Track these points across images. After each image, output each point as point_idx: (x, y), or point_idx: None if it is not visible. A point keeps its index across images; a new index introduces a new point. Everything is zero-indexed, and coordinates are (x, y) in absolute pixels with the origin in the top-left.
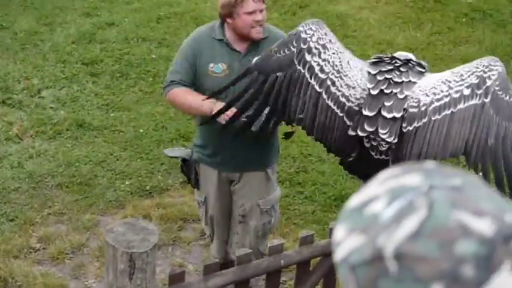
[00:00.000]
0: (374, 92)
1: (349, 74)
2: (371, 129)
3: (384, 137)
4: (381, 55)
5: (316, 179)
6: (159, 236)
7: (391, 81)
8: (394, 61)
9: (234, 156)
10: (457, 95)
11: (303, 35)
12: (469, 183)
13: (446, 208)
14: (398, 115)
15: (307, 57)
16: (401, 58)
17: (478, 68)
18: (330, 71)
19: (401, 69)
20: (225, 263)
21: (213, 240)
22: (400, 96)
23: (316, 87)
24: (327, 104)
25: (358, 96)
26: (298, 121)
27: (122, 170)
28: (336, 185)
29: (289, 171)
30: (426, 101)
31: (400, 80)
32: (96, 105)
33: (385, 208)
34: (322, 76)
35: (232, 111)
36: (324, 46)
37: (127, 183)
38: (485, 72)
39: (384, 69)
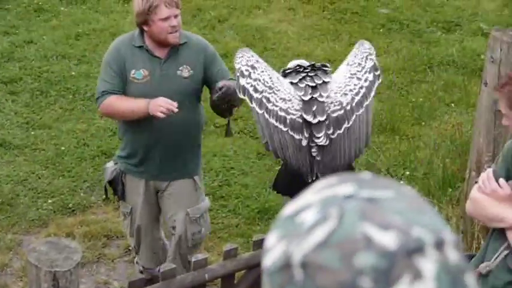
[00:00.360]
0: (306, 98)
1: (281, 88)
2: (319, 135)
3: (318, 141)
4: (286, 68)
5: (239, 192)
6: (83, 253)
7: (309, 86)
8: (301, 68)
9: (161, 164)
10: (366, 83)
11: (236, 65)
12: (395, 195)
13: (355, 219)
14: (322, 118)
15: (242, 81)
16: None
17: (365, 52)
18: (263, 89)
19: (310, 74)
20: (151, 279)
21: (138, 253)
22: (320, 99)
23: (257, 109)
24: (272, 122)
25: (297, 108)
26: (266, 147)
27: (44, 188)
28: (259, 198)
29: (212, 185)
30: (347, 100)
31: (314, 84)
32: (16, 124)
33: (312, 217)
34: (258, 96)
35: (173, 104)
36: (252, 66)
37: (49, 201)
38: (371, 54)
39: (300, 77)
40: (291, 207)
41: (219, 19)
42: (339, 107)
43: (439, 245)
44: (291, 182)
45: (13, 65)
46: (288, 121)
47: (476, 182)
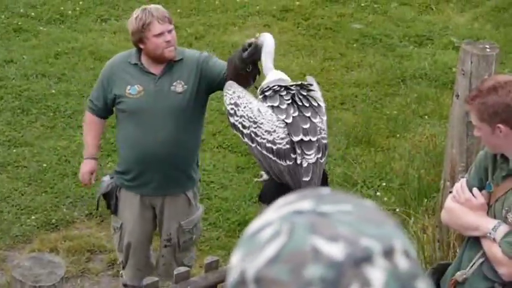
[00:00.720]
0: (289, 121)
1: (263, 120)
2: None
3: (309, 158)
4: (268, 88)
5: (219, 206)
6: (66, 268)
7: (297, 105)
8: (289, 89)
9: (154, 180)
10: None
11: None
12: (350, 209)
13: (304, 233)
14: (314, 139)
15: (231, 119)
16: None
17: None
18: (249, 125)
19: (302, 92)
20: None
21: (124, 267)
22: (314, 119)
23: (250, 143)
24: (264, 154)
25: (282, 136)
26: (268, 175)
27: (27, 204)
28: (239, 211)
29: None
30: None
31: (308, 104)
32: None
33: (268, 234)
34: (246, 131)
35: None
36: (235, 104)
37: (33, 217)
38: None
39: (284, 98)
40: (253, 225)
41: (196, 36)
42: (325, 135)
43: (388, 253)
44: (278, 193)
45: None
46: (274, 151)
47: (450, 192)
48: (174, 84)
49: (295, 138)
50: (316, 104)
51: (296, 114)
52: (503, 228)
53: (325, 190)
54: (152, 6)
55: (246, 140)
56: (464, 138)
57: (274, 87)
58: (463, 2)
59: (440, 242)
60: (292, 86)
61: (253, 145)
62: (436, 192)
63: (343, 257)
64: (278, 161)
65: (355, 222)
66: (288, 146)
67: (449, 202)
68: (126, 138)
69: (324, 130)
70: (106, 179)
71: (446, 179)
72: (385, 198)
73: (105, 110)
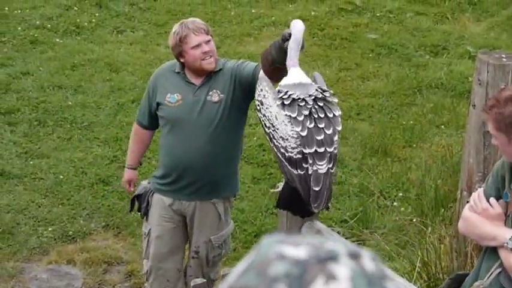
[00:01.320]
0: (304, 133)
1: (279, 127)
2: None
3: (320, 168)
4: (288, 95)
5: (236, 217)
6: (83, 280)
7: (313, 117)
8: (307, 99)
9: (190, 186)
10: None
11: None
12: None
13: (269, 245)
14: (330, 149)
15: (258, 114)
16: (307, 88)
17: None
18: (269, 126)
19: (319, 103)
20: None
21: (149, 279)
22: (328, 131)
23: (269, 143)
24: (279, 157)
25: (294, 146)
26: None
27: (44, 216)
28: (256, 222)
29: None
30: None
31: (322, 115)
32: (15, 154)
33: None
34: (267, 130)
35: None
36: (261, 102)
37: (50, 229)
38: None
39: (302, 109)
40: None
41: None
42: (337, 146)
43: (354, 256)
44: (292, 199)
45: (11, 96)
46: (287, 158)
47: (468, 202)
48: (211, 93)
49: (309, 150)
50: (331, 115)
51: (312, 126)
52: None
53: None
54: (189, 19)
55: (267, 138)
56: (481, 148)
57: (293, 96)
58: (478, 11)
59: (457, 252)
60: (309, 97)
61: (271, 145)
62: (453, 202)
63: (307, 256)
64: (290, 168)
65: (316, 239)
66: (299, 156)
67: (466, 212)
68: (164, 145)
69: (336, 141)
70: (143, 182)
71: (463, 188)
72: (402, 209)
73: (150, 120)
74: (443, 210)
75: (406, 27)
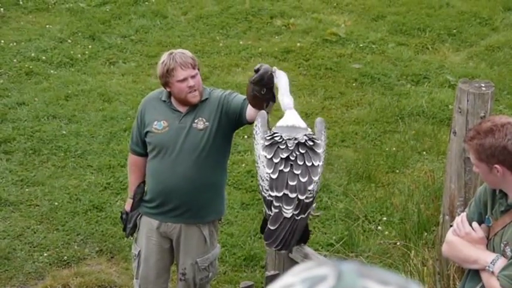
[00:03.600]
0: (274, 176)
1: (259, 166)
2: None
3: (285, 212)
4: (273, 136)
5: (225, 241)
6: None
7: (291, 162)
8: (288, 143)
9: (175, 210)
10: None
11: None
12: (372, 267)
13: (353, 277)
14: (302, 197)
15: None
16: (297, 132)
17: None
18: (256, 161)
19: (301, 150)
20: None
21: None
22: (303, 179)
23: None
24: (260, 192)
25: (267, 188)
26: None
27: (40, 242)
28: (245, 246)
29: None
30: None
31: (301, 162)
32: (11, 182)
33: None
34: (256, 165)
35: None
36: (254, 137)
37: (45, 254)
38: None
39: (281, 152)
40: None
41: (201, 77)
42: (311, 195)
43: None
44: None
45: (6, 125)
46: (262, 196)
47: (451, 226)
48: (196, 121)
49: (276, 194)
50: (310, 164)
51: (287, 170)
52: (501, 262)
53: (342, 261)
54: (178, 51)
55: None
56: (462, 173)
57: (276, 137)
58: (458, 42)
59: (440, 274)
60: (294, 140)
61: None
62: (435, 226)
63: None
64: (265, 206)
65: (393, 275)
66: (271, 198)
67: (449, 235)
68: (151, 170)
69: (310, 190)
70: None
71: (445, 213)
72: (386, 232)
73: (144, 146)
74: (426, 234)
75: (388, 57)
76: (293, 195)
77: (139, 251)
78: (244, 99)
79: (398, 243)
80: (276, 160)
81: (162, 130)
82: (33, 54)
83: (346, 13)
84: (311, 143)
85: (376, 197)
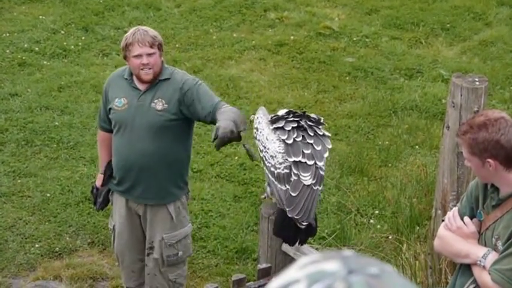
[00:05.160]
0: (289, 142)
1: (269, 146)
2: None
3: (304, 179)
4: (276, 115)
5: (217, 234)
6: None
7: (302, 133)
8: (295, 115)
9: (137, 187)
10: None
11: None
12: (386, 272)
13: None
14: (320, 163)
15: (255, 141)
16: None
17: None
18: (263, 149)
19: (308, 122)
20: None
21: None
22: (317, 147)
23: (263, 166)
24: (270, 177)
25: (281, 161)
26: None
27: (31, 233)
28: (237, 239)
29: (192, 227)
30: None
31: (312, 133)
32: (3, 173)
33: None
34: (262, 154)
35: None
36: (257, 128)
37: (37, 246)
38: None
39: (290, 123)
40: (275, 282)
41: (194, 70)
42: (323, 167)
43: None
44: (284, 226)
45: None
46: (275, 175)
47: (443, 220)
48: (155, 101)
49: (294, 159)
50: (321, 133)
51: (299, 139)
52: (492, 256)
53: (348, 252)
54: (143, 28)
55: (262, 163)
56: (454, 168)
57: (283, 115)
58: (451, 36)
59: (432, 268)
60: (300, 114)
61: (265, 169)
62: (427, 220)
63: None
64: (278, 185)
65: (404, 284)
66: (287, 170)
67: (441, 230)
68: (114, 146)
69: (323, 159)
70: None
71: (438, 207)
72: (379, 226)
73: (109, 123)
74: (418, 227)
75: (381, 51)
76: (311, 162)
77: (114, 225)
78: (215, 105)
79: (390, 237)
80: (287, 128)
81: (122, 107)
82: (26, 45)
83: (340, 7)
84: (315, 118)
85: (368, 190)
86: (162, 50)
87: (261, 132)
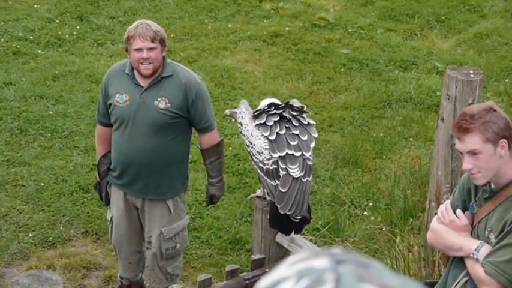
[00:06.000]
0: (272, 138)
1: (255, 142)
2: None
3: (292, 171)
4: (259, 109)
5: (211, 224)
6: (63, 285)
7: (285, 125)
8: (277, 108)
9: (134, 182)
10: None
11: None
12: (374, 263)
13: (353, 281)
14: (307, 154)
15: (241, 135)
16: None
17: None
18: (249, 144)
19: (291, 112)
20: (130, 285)
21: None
22: (303, 137)
23: (251, 160)
24: (258, 172)
25: (268, 157)
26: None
27: (25, 222)
28: (231, 229)
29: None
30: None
31: (297, 123)
32: None
33: (294, 286)
34: (248, 149)
35: None
36: (241, 123)
37: (30, 235)
38: None
39: (272, 116)
40: (265, 281)
41: (189, 60)
42: (311, 158)
43: None
44: (278, 219)
45: None
46: (264, 171)
47: (436, 214)
48: (159, 99)
49: (279, 154)
50: (305, 122)
51: (283, 132)
52: (485, 249)
53: (336, 249)
54: (146, 22)
55: (250, 157)
56: (449, 160)
57: (265, 108)
58: (446, 28)
59: (425, 260)
60: (282, 105)
61: (253, 163)
62: (421, 212)
63: None
64: (268, 180)
65: (394, 276)
66: (274, 166)
67: (434, 223)
68: (114, 141)
69: (310, 150)
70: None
71: (432, 199)
72: (372, 218)
73: (109, 118)
74: (411, 219)
75: (376, 43)
76: (298, 154)
77: (112, 216)
78: (206, 127)
79: (384, 229)
80: (269, 123)
81: (123, 103)
82: (20, 34)
83: None
84: (301, 108)
85: (362, 182)
86: (165, 45)
87: (245, 127)
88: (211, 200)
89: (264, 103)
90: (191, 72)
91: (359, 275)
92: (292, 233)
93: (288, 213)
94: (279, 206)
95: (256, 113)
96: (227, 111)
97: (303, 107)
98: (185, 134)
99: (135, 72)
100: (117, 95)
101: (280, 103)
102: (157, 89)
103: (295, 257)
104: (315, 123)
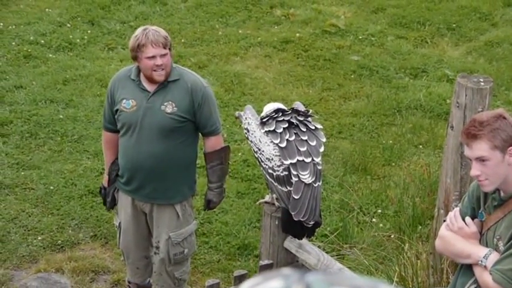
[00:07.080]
0: (283, 145)
1: (264, 148)
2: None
3: (304, 178)
4: (266, 115)
5: (220, 230)
6: None
7: (294, 131)
8: (285, 116)
9: (142, 188)
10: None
11: None
12: (342, 272)
13: (323, 286)
14: (317, 159)
15: (248, 141)
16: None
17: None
18: (257, 150)
19: (299, 118)
20: None
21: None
22: (312, 143)
23: (259, 165)
24: (267, 178)
25: (278, 164)
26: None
27: (34, 226)
28: (239, 235)
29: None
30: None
31: (304, 129)
32: (7, 165)
33: None
34: (256, 155)
35: None
36: (247, 129)
37: (39, 238)
38: None
39: (281, 123)
40: None
41: (199, 65)
42: (320, 163)
43: None
44: (291, 224)
45: (3, 108)
46: (275, 177)
47: (444, 221)
48: (165, 104)
49: (291, 161)
50: (313, 127)
51: (292, 138)
52: (494, 257)
53: (286, 270)
54: (153, 28)
55: (257, 163)
56: (458, 168)
57: (272, 115)
58: (457, 36)
59: (433, 268)
60: (288, 111)
61: (261, 169)
62: (430, 219)
63: None
64: (279, 186)
65: (361, 278)
66: (285, 172)
67: (443, 230)
68: (121, 147)
69: (320, 155)
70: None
71: (440, 207)
72: (381, 225)
73: (116, 124)
74: (420, 227)
75: (387, 50)
76: (308, 160)
77: (120, 222)
78: (212, 132)
79: (392, 236)
80: (279, 130)
81: (130, 109)
82: (32, 38)
83: (346, 5)
84: (306, 112)
85: (371, 189)
86: (172, 49)
87: (252, 134)
88: (208, 205)
89: (268, 108)
90: (197, 75)
91: (329, 281)
92: (305, 237)
93: (301, 219)
94: (293, 213)
95: (264, 120)
96: (236, 113)
97: (308, 111)
98: (192, 138)
99: (141, 77)
100: (124, 101)
101: (285, 108)
102: (164, 93)
103: (248, 283)
104: (321, 127)
